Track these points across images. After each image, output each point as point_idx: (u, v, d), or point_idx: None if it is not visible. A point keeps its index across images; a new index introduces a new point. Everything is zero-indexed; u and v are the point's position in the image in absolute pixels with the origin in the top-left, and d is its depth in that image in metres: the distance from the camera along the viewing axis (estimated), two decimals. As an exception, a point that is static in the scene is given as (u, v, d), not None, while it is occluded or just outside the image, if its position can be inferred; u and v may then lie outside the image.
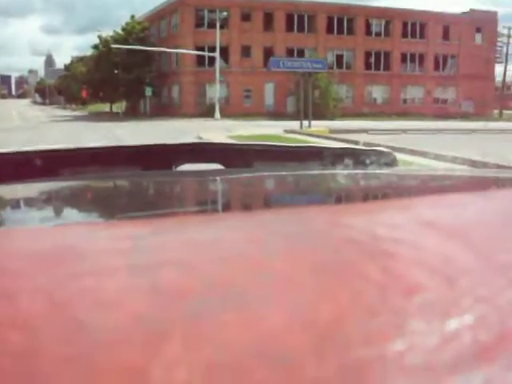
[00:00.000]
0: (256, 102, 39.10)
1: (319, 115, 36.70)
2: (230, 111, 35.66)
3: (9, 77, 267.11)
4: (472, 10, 45.57)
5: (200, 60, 37.75)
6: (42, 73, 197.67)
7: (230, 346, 0.23)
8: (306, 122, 20.62)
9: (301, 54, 40.13)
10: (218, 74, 34.57)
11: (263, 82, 39.18)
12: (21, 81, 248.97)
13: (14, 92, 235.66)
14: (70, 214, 0.85)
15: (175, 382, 0.20)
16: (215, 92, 37.21)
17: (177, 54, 38.76)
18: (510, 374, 0.21)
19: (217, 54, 34.40)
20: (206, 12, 38.06)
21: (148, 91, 38.39)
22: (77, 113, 56.79)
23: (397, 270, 0.32)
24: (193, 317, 0.25)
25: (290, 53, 40.01)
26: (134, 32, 39.34)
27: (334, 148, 1.68)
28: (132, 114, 41.97)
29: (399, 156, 1.65)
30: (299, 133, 19.86)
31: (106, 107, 61.99)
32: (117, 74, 39.18)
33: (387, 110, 38.91)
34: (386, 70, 42.32)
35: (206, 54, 35.74)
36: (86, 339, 0.23)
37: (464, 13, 44.59)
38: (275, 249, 0.36)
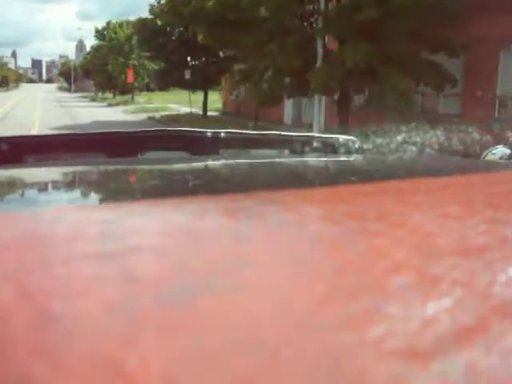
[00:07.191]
0: None
1: None
2: None
3: (40, 61, 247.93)
4: None
5: None
6: (73, 58, 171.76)
7: (206, 334, 0.21)
8: None
9: None
10: None
11: None
12: (52, 65, 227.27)
13: (44, 77, 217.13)
14: (34, 199, 0.74)
15: (151, 371, 0.19)
16: None
17: None
18: (490, 355, 0.20)
19: None
20: None
21: None
22: (117, 111, 26.57)
23: (377, 250, 0.31)
24: (167, 304, 0.23)
25: None
26: None
27: (299, 135, 1.56)
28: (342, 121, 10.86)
29: None
30: None
31: (166, 98, 32.23)
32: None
33: None
34: None
35: None
36: (57, 329, 0.21)
37: None
38: (249, 234, 0.34)
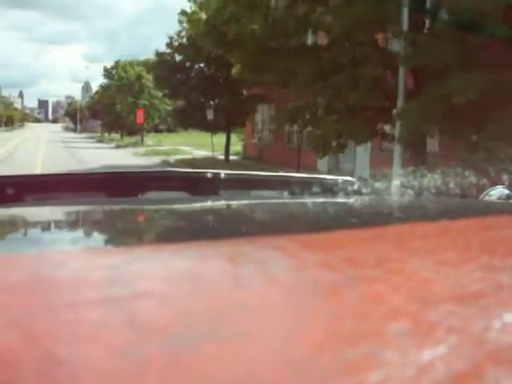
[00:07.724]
0: None
1: None
2: None
3: (46, 102, 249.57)
4: None
5: None
6: (79, 98, 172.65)
7: (209, 380, 0.21)
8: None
9: None
10: None
11: None
12: (58, 106, 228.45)
13: (50, 117, 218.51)
14: (36, 239, 0.73)
15: None
16: None
17: None
18: None
19: None
20: None
21: None
22: (127, 154, 24.34)
23: (373, 298, 0.31)
24: (171, 350, 0.23)
25: None
26: None
27: (300, 176, 1.63)
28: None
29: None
30: None
31: (176, 139, 30.16)
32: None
33: None
34: None
35: None
36: (62, 373, 0.21)
37: None
38: (250, 279, 0.35)
